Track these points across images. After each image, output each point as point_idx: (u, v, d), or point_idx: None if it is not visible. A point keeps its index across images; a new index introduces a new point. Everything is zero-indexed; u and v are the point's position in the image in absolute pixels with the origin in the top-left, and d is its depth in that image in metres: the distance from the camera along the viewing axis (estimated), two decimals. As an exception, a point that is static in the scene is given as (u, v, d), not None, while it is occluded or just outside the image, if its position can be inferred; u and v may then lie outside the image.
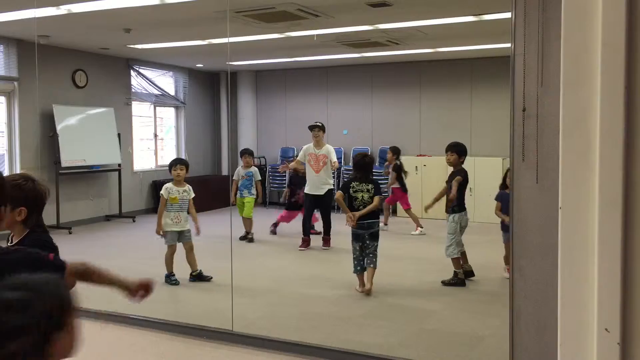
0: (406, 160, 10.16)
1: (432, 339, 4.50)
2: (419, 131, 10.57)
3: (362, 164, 5.38)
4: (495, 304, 4.79)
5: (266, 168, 11.80)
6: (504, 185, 5.57)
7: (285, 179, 11.28)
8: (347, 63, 10.78)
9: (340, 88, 11.35)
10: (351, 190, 5.27)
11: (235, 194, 7.98)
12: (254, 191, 8.01)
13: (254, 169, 8.11)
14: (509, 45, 3.28)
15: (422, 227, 8.08)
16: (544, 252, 3.18)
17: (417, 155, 10.27)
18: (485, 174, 9.43)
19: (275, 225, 8.34)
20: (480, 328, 4.66)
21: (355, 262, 5.20)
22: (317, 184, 7.52)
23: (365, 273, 5.26)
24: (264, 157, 11.99)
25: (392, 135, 10.76)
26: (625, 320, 1.35)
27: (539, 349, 3.24)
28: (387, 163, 8.89)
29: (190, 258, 5.95)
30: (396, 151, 8.71)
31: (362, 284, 5.16)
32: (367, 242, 5.20)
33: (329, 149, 7.71)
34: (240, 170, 8.07)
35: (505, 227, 5.34)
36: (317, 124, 7.70)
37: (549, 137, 3.14)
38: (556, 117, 1.46)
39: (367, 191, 5.24)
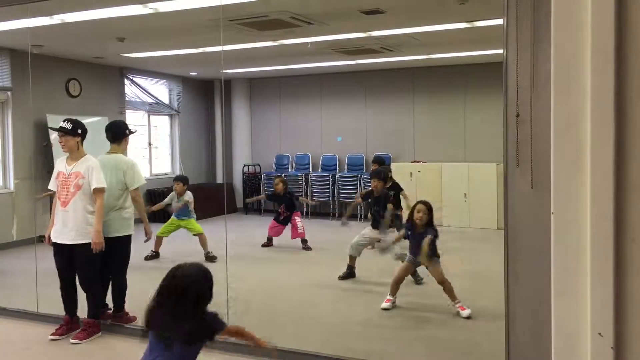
0: (400, 167, 10.20)
1: (429, 345, 4.50)
2: (413, 137, 10.60)
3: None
4: (491, 309, 4.80)
5: (261, 176, 11.80)
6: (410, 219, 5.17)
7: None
8: (340, 70, 10.81)
9: (334, 95, 11.38)
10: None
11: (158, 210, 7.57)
12: (193, 214, 7.47)
13: (188, 194, 7.46)
14: (501, 51, 3.30)
15: None
16: (539, 257, 3.18)
17: (412, 162, 10.29)
18: (479, 179, 9.49)
19: (269, 240, 8.28)
20: (476, 334, 4.66)
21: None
22: (60, 227, 4.48)
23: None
24: (258, 165, 11.99)
25: (386, 142, 10.79)
26: (618, 324, 1.36)
27: (534, 353, 3.25)
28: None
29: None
30: None
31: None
32: None
33: (90, 165, 4.55)
34: (174, 196, 7.47)
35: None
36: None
37: (543, 143, 3.14)
38: (549, 123, 1.47)
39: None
